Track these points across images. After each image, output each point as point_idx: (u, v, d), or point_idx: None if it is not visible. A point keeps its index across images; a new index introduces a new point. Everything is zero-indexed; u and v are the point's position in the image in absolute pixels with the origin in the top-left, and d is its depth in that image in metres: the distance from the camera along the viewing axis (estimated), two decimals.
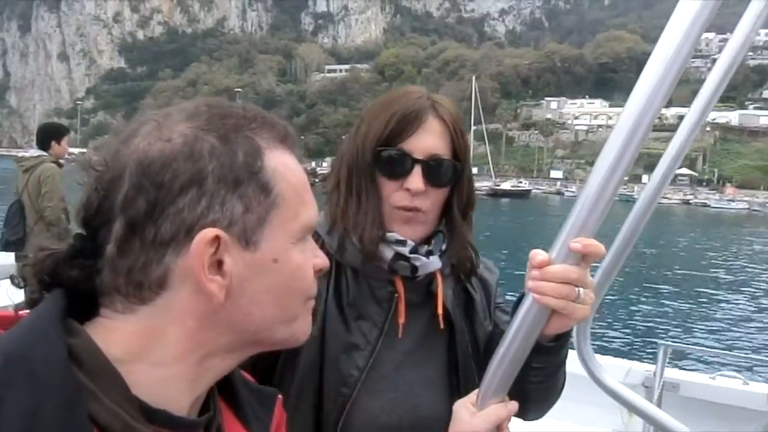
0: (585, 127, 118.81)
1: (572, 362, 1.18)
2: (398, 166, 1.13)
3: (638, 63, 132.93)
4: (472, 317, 1.24)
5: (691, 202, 77.06)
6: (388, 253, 1.14)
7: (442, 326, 1.17)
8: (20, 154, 5.76)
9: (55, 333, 0.60)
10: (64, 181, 4.92)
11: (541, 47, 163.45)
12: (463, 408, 0.99)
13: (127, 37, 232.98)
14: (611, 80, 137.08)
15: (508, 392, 0.96)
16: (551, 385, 1.13)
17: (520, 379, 0.95)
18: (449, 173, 1.16)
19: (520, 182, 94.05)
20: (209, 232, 0.62)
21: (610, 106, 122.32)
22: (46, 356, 0.57)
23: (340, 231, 1.17)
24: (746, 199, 78.90)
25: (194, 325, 0.65)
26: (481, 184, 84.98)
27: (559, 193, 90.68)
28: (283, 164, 0.68)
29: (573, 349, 1.13)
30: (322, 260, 0.73)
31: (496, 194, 78.57)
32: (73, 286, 0.65)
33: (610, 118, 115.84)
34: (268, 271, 0.66)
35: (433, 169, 1.13)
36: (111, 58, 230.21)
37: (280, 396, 0.84)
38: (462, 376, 1.18)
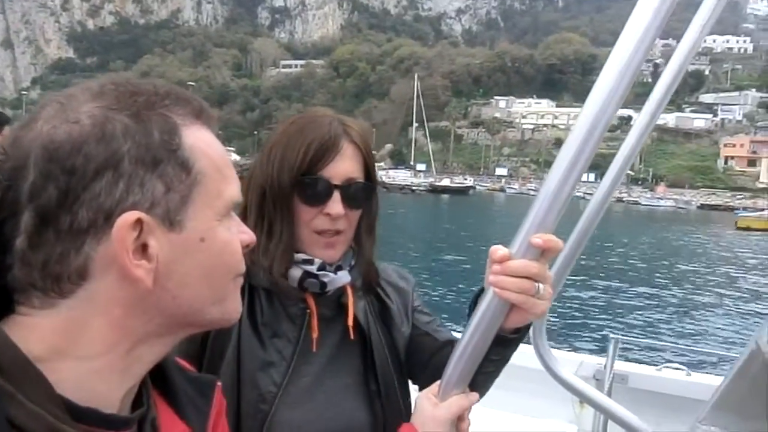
0: (531, 126, 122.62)
1: (526, 356, 1.23)
2: (318, 193, 1.17)
3: (584, 65, 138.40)
4: (389, 324, 1.30)
5: (624, 199, 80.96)
6: (296, 272, 1.19)
7: (352, 336, 1.23)
8: None
9: None
10: None
11: (497, 47, 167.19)
12: (425, 399, 1.02)
13: (76, 26, 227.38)
14: (559, 81, 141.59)
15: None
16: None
17: None
18: (365, 194, 1.22)
19: (465, 179, 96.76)
20: (130, 216, 0.59)
21: (557, 106, 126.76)
22: None
23: (246, 259, 1.18)
24: (674, 197, 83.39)
25: (121, 313, 0.62)
26: (423, 180, 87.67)
27: (502, 190, 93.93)
28: (201, 140, 0.66)
29: (528, 343, 1.17)
30: (248, 236, 0.72)
31: (435, 190, 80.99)
32: None
33: (556, 117, 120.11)
34: (195, 251, 0.64)
35: (351, 193, 1.19)
36: (59, 48, 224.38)
37: (219, 383, 0.82)
38: (381, 382, 1.23)
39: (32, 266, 0.59)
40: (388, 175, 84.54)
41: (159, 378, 0.73)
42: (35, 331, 0.60)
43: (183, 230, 0.63)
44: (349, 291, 1.24)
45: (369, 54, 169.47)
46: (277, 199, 1.19)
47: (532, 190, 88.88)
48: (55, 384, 0.58)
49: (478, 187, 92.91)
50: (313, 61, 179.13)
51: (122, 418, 0.64)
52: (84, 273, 0.60)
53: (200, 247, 0.65)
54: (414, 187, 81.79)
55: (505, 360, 1.11)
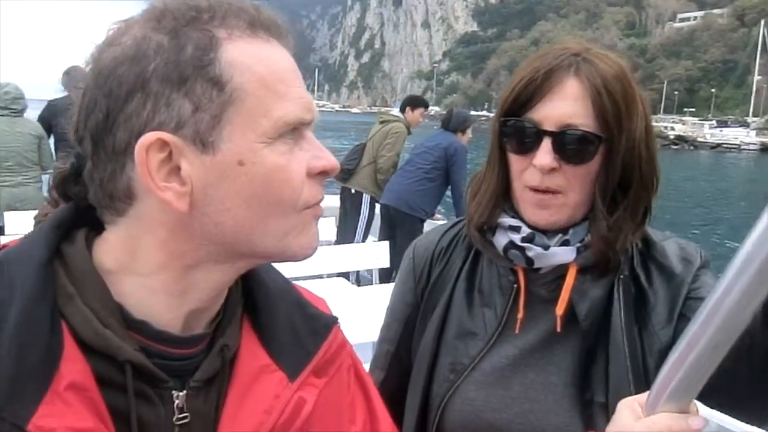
0: None
1: None
2: (524, 140, 1.01)
3: None
4: (642, 322, 1.04)
5: None
6: (502, 239, 1.06)
7: (559, 329, 1.04)
8: (384, 110, 8.45)
9: (43, 239, 0.64)
10: (405, 143, 6.00)
11: None
12: (627, 408, 0.80)
13: (480, 2, 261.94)
14: None
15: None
16: None
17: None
18: (589, 147, 0.98)
19: None
20: (150, 136, 0.60)
21: None
22: (25, 259, 0.61)
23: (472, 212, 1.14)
24: None
25: (166, 235, 0.64)
26: (753, 140, 75.07)
27: None
28: (247, 54, 0.63)
29: None
30: (324, 162, 0.67)
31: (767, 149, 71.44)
32: (81, 201, 0.68)
33: None
34: (233, 175, 0.62)
35: (565, 143, 0.98)
36: (465, 23, 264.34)
37: (338, 323, 0.81)
38: (612, 393, 0.98)
39: (96, 185, 0.65)
40: (713, 133, 76.50)
41: (258, 309, 0.76)
42: (106, 244, 0.66)
43: (217, 152, 0.62)
44: (571, 272, 1.04)
45: None
46: (493, 143, 1.07)
47: None
48: (119, 295, 0.64)
49: None
50: (714, 11, 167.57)
51: (174, 335, 0.67)
52: (130, 193, 0.63)
53: (239, 171, 0.62)
54: (743, 147, 71.09)
55: None
